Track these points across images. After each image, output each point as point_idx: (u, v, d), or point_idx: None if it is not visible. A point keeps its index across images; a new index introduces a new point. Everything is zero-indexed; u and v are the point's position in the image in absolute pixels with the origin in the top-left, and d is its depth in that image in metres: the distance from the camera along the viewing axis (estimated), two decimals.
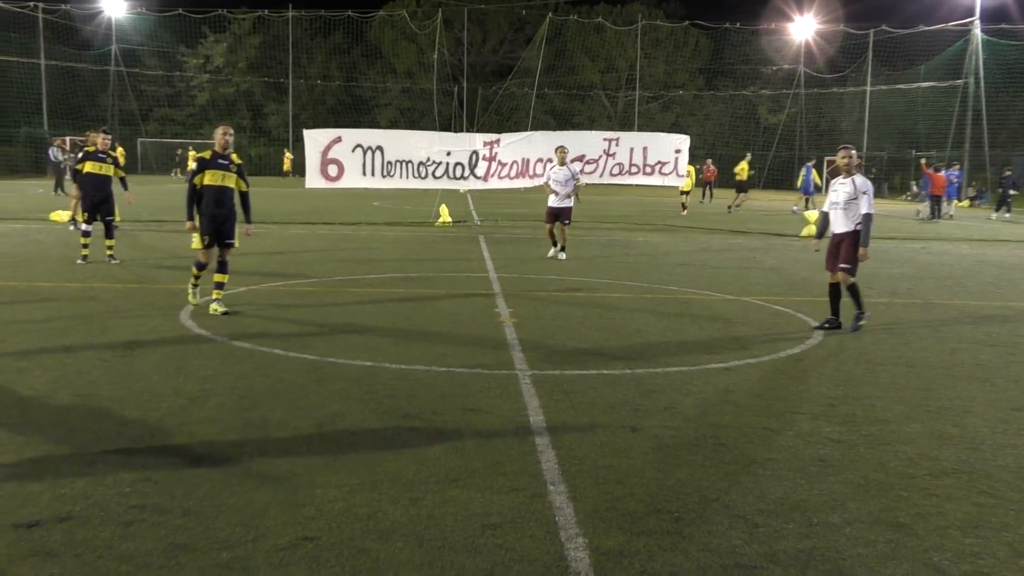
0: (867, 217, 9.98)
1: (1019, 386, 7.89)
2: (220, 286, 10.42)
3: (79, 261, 14.26)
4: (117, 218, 15.14)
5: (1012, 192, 35.96)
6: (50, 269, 13.69)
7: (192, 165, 10.17)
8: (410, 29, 63.98)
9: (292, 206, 30.13)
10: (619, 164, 24.25)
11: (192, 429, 5.94)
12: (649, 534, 4.50)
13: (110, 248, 14.60)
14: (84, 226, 14.57)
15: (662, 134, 29.19)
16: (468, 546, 4.30)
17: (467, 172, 23.61)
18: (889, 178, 56.61)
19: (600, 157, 24.15)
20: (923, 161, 35.57)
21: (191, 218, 10.29)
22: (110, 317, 9.94)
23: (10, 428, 5.86)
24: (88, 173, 14.50)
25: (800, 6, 62.19)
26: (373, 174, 23.44)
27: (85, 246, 14.44)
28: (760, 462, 5.63)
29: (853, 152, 10.28)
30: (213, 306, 10.27)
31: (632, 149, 24.51)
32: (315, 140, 23.50)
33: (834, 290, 10.31)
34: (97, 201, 14.50)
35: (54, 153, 35.27)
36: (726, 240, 22.59)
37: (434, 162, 23.50)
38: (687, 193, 32.94)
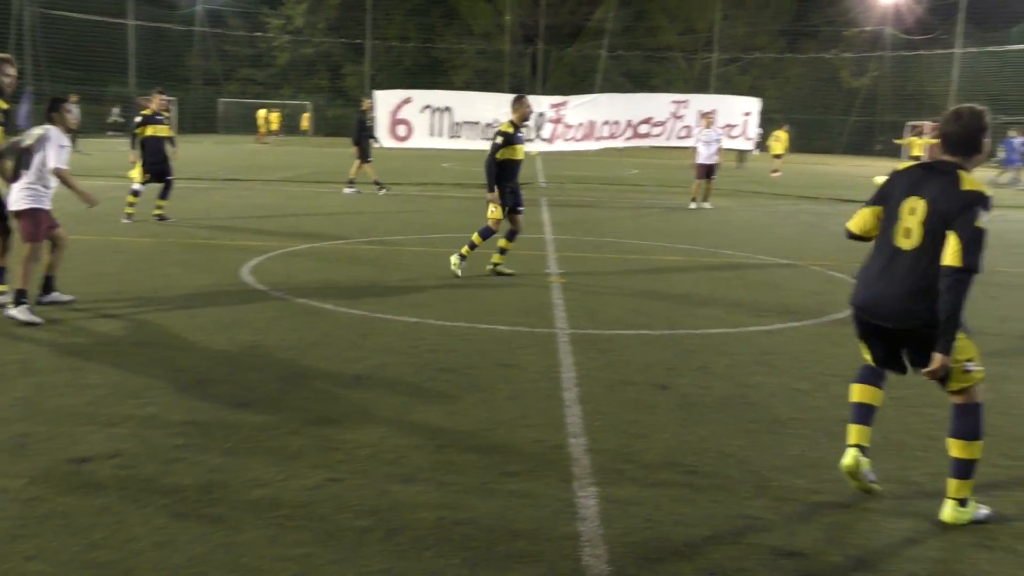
0: None
1: None
2: (504, 252, 10.87)
3: (124, 220, 14.30)
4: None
5: None
6: (125, 224, 14.23)
7: (498, 139, 10.42)
8: None
9: None
10: (687, 127, 24.11)
11: (239, 377, 6.27)
12: (661, 485, 4.67)
13: (160, 208, 14.64)
14: (137, 186, 14.65)
15: (732, 96, 28.93)
16: (484, 490, 4.52)
17: (532, 134, 23.74)
18: None
19: (667, 120, 24.04)
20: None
21: (492, 189, 10.41)
22: (177, 271, 10.38)
23: (74, 372, 6.27)
24: (150, 136, 14.71)
25: None
26: (441, 135, 23.86)
27: (131, 204, 14.49)
28: (783, 421, 5.74)
29: None
30: (499, 267, 10.85)
31: (700, 112, 24.29)
32: (385, 101, 23.97)
33: None
34: (159, 163, 14.75)
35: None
36: (793, 205, 22.30)
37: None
38: (779, 156, 32.83)
